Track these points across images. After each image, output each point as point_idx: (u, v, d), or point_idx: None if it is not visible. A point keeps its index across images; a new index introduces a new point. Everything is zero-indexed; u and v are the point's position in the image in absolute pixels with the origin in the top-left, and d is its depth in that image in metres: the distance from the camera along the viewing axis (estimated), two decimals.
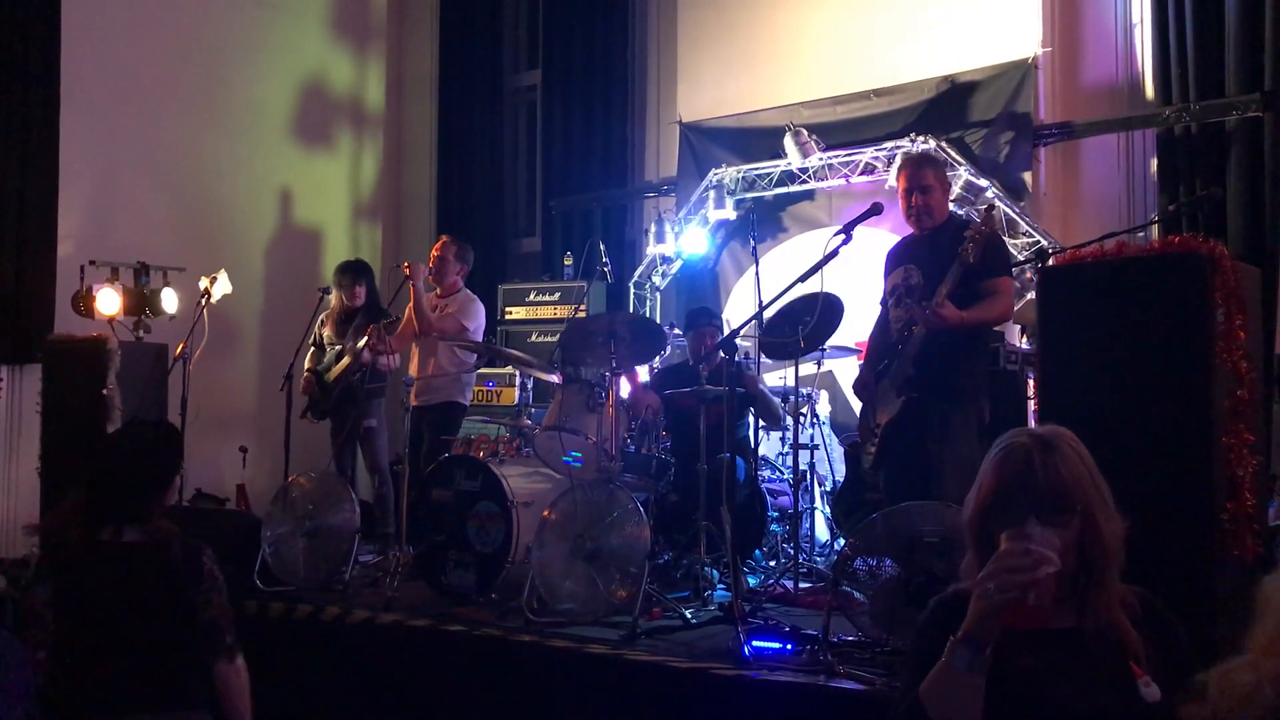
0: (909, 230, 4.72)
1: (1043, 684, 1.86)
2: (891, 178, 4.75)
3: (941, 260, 4.36)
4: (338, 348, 6.34)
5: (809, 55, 7.65)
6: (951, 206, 6.40)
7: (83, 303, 6.50)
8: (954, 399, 4.32)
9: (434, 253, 6.51)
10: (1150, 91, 6.47)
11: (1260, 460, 3.22)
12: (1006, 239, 6.40)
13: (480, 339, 6.44)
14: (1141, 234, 5.69)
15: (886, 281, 4.68)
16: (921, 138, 6.69)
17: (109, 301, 6.44)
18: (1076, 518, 1.85)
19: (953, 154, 6.60)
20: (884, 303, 4.78)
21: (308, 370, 6.41)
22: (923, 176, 4.56)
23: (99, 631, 2.78)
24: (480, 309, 6.46)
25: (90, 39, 7.36)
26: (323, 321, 6.52)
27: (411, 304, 6.29)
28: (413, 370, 6.40)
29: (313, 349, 6.51)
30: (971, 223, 4.40)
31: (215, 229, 8.12)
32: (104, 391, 5.81)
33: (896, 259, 4.67)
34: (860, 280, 5.62)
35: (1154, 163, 6.41)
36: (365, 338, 5.96)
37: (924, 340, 4.32)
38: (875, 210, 4.52)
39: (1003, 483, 1.89)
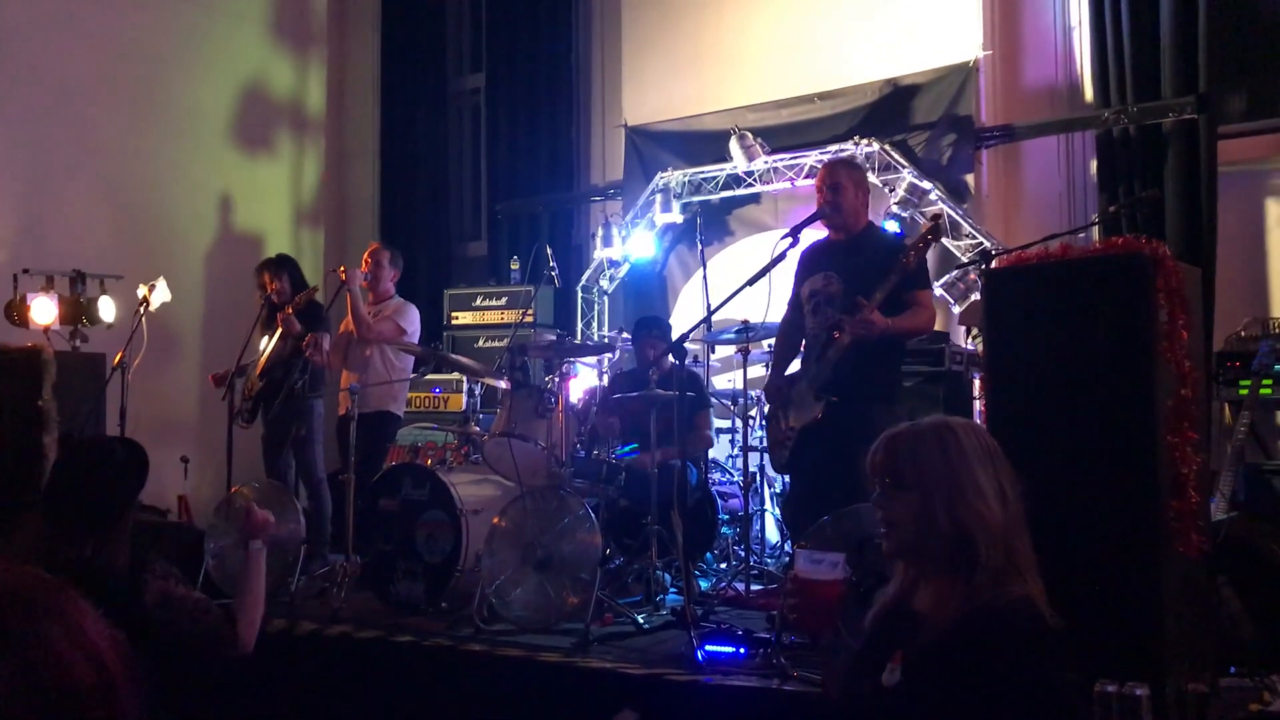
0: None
1: (861, 652, 2.09)
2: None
3: (861, 269, 4.38)
4: (264, 340, 6.23)
5: (753, 59, 7.67)
6: (896, 220, 6.51)
7: (16, 312, 6.35)
8: (876, 403, 4.33)
9: (366, 259, 6.43)
10: (1089, 94, 6.58)
11: (1203, 458, 3.27)
12: (949, 241, 6.48)
13: (416, 343, 6.37)
14: (1082, 235, 5.77)
15: (802, 286, 4.64)
16: (865, 140, 6.73)
17: (44, 310, 6.30)
18: (912, 496, 2.00)
19: (896, 156, 6.65)
20: (792, 305, 4.78)
21: (238, 368, 6.19)
22: (834, 175, 4.58)
23: None
24: (416, 314, 6.40)
25: (22, 39, 7.18)
26: (254, 326, 6.38)
27: (349, 310, 6.21)
28: (346, 378, 6.30)
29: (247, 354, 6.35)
30: (899, 237, 4.42)
31: (153, 235, 7.96)
32: (40, 403, 5.66)
33: (813, 264, 4.63)
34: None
35: (1094, 164, 6.51)
36: (302, 339, 5.84)
37: (848, 348, 4.31)
38: (821, 213, 4.55)
39: (867, 459, 2.12)
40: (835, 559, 2.12)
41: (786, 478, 6.43)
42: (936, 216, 5.68)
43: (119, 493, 2.88)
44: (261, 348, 6.21)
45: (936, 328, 6.29)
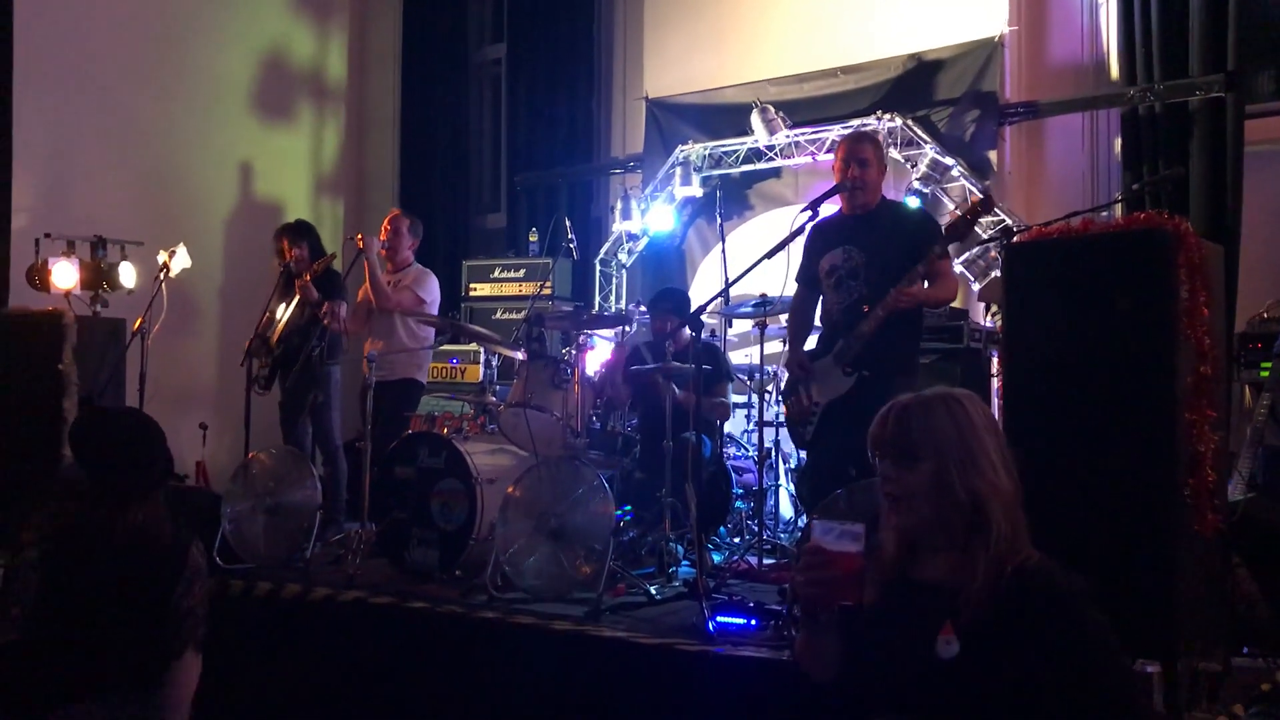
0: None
1: (876, 628, 2.06)
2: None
3: (884, 242, 4.37)
4: (281, 307, 6.23)
5: (776, 32, 7.62)
6: (918, 196, 6.47)
7: (38, 276, 6.38)
8: (900, 376, 4.33)
9: (385, 226, 6.43)
10: (1115, 71, 6.50)
11: (1221, 436, 3.25)
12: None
13: (436, 312, 6.38)
14: (1105, 213, 5.71)
15: (821, 261, 4.60)
16: (887, 115, 6.68)
17: (65, 275, 6.33)
18: (927, 467, 2.01)
19: (918, 132, 6.60)
20: (805, 281, 4.76)
21: (257, 336, 6.16)
22: (861, 150, 4.55)
23: (78, 604, 2.76)
24: (435, 282, 6.39)
25: (48, 9, 7.19)
26: (271, 292, 6.38)
27: (367, 279, 6.23)
28: (370, 345, 6.31)
29: (265, 319, 6.29)
30: (922, 209, 4.39)
31: (174, 202, 7.98)
32: (60, 367, 5.70)
33: (830, 239, 4.60)
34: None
35: (1118, 142, 6.44)
36: (319, 307, 5.89)
37: (881, 321, 4.31)
38: (841, 187, 4.52)
39: (872, 431, 2.13)
40: (855, 530, 2.04)
41: (804, 453, 6.48)
42: (987, 188, 5.62)
43: (161, 460, 2.96)
44: (279, 315, 6.23)
45: (956, 305, 6.29)
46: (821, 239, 4.64)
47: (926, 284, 4.36)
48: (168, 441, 2.99)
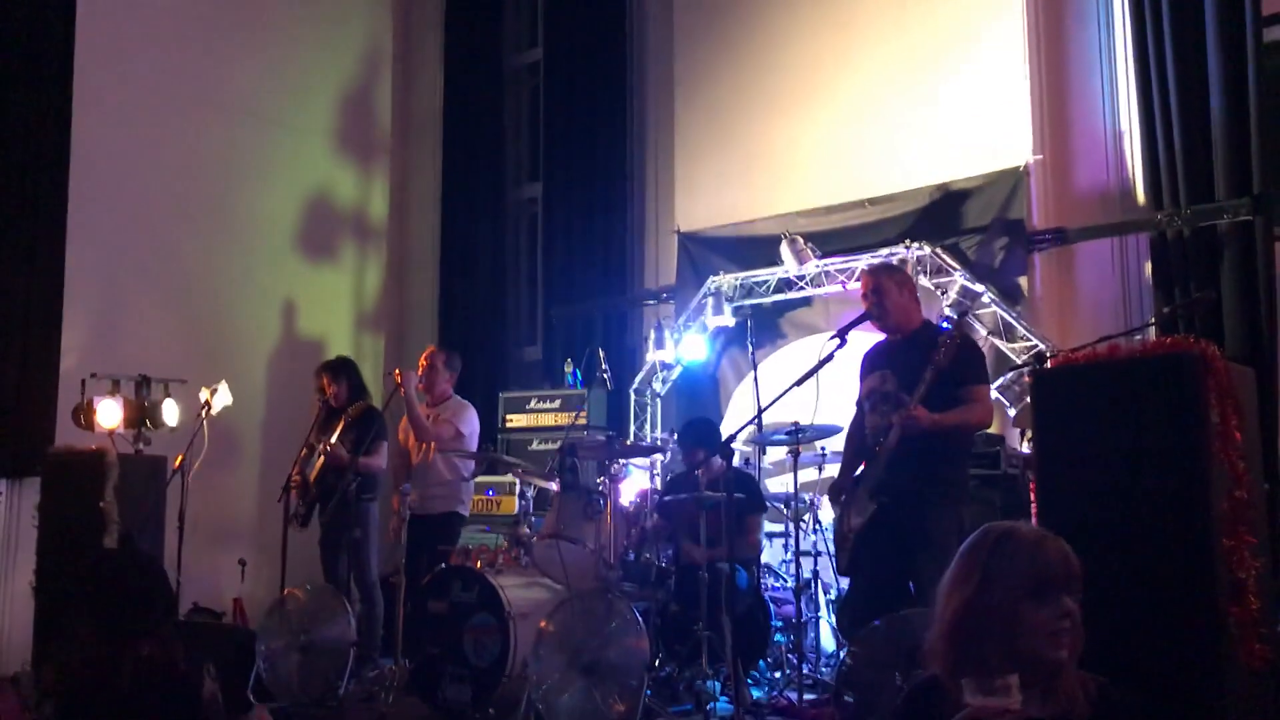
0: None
1: None
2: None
3: (914, 366, 4.39)
4: (320, 444, 6.31)
5: (803, 165, 7.76)
6: (943, 316, 6.49)
7: (83, 415, 6.51)
8: (930, 504, 4.29)
9: (422, 362, 6.53)
10: (1141, 196, 6.53)
11: (1265, 562, 3.17)
12: (1003, 343, 6.44)
13: (475, 444, 6.42)
14: (1138, 337, 5.69)
15: (863, 385, 4.71)
16: (916, 244, 6.74)
17: (109, 414, 6.45)
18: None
19: (947, 260, 6.65)
20: (860, 406, 4.80)
21: (297, 475, 6.27)
22: (874, 279, 4.67)
23: None
24: (473, 415, 6.46)
25: (98, 155, 7.51)
26: (311, 428, 6.49)
27: (406, 415, 6.30)
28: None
29: (304, 453, 6.41)
30: (944, 331, 4.43)
31: (218, 340, 8.18)
32: (100, 505, 5.78)
33: (872, 363, 4.70)
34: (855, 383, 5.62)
35: (1148, 266, 6.45)
36: (336, 433, 5.98)
37: (898, 445, 4.30)
38: (868, 316, 4.58)
39: (1044, 567, 1.98)
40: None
41: (844, 582, 6.38)
42: (964, 311, 5.67)
43: (165, 594, 3.01)
44: (318, 451, 6.29)
45: (993, 430, 6.24)
46: (868, 364, 4.74)
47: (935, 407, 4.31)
48: (173, 578, 3.05)
